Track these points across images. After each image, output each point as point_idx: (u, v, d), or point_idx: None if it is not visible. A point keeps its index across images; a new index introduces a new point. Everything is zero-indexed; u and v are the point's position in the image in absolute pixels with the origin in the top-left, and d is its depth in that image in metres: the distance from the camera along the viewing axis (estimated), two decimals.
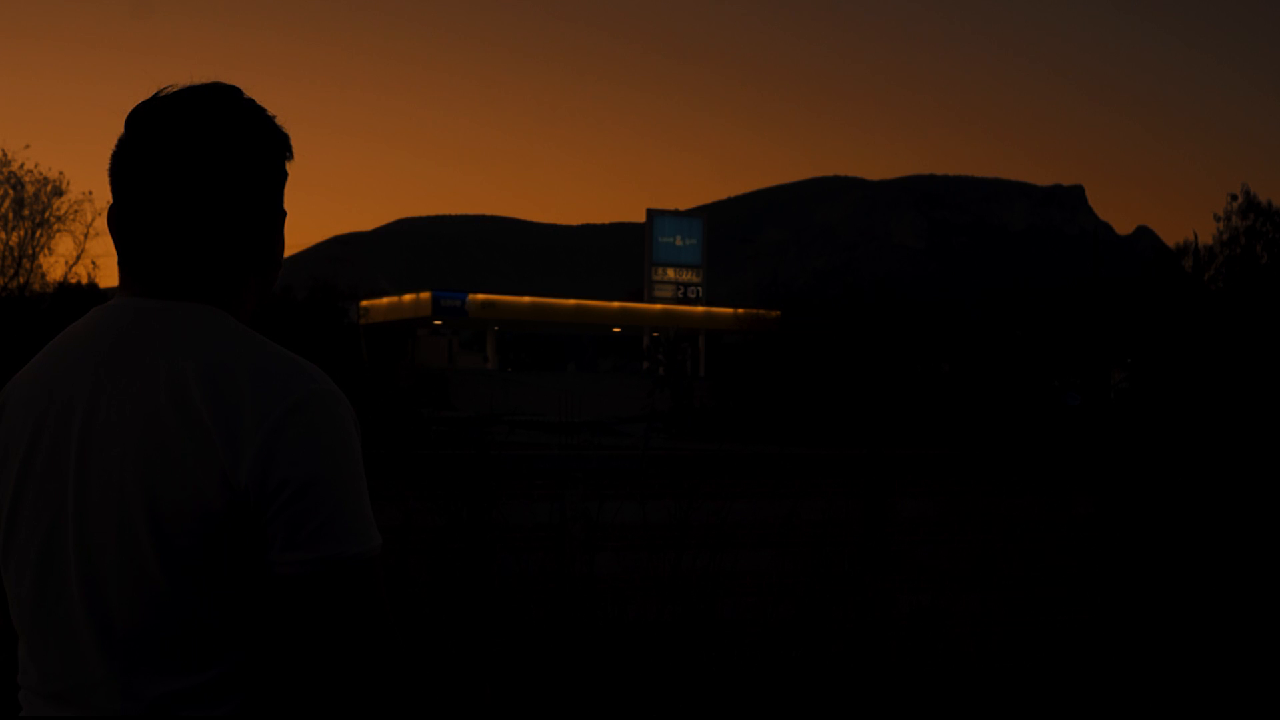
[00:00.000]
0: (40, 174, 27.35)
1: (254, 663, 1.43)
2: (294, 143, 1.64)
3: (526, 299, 61.44)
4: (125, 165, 1.53)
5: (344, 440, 1.44)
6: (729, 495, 6.03)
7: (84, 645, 1.44)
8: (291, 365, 1.46)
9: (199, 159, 1.51)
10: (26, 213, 26.25)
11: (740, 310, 46.24)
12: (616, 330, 65.18)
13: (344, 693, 1.40)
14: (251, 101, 1.58)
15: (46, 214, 26.37)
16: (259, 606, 1.43)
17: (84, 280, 26.40)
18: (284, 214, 1.63)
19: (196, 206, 1.51)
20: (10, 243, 26.25)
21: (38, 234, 26.33)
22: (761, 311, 40.52)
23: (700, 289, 65.44)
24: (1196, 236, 32.80)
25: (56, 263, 45.14)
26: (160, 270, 1.52)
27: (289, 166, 1.63)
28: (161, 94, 1.54)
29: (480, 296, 58.48)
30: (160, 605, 1.41)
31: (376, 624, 1.42)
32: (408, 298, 59.24)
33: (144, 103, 1.54)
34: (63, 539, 1.46)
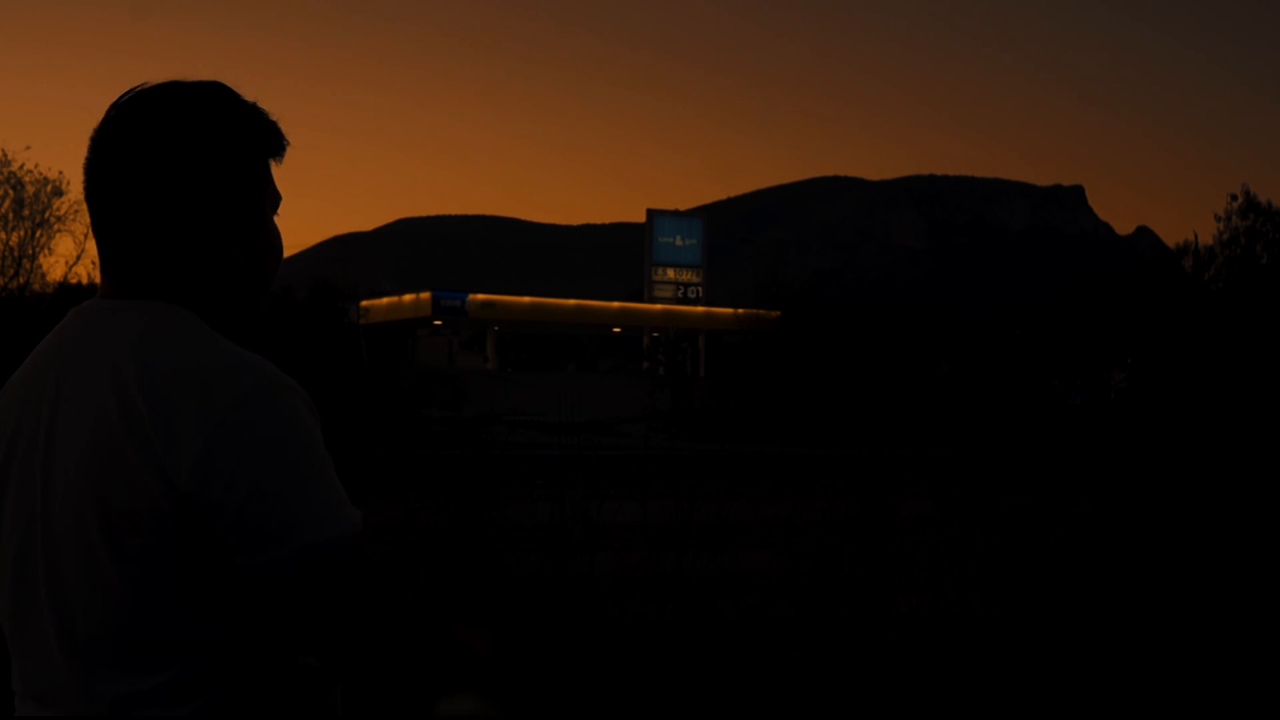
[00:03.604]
0: (40, 174, 27.34)
1: (216, 663, 1.43)
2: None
3: (526, 299, 61.39)
4: (87, 169, 1.54)
5: (294, 429, 1.41)
6: (729, 495, 6.02)
7: (52, 647, 1.46)
8: (235, 362, 1.43)
9: (149, 157, 1.50)
10: (26, 213, 26.23)
11: (740, 310, 46.12)
12: (616, 330, 65.12)
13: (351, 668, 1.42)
14: (223, 97, 1.56)
15: (46, 214, 26.35)
16: (219, 606, 1.43)
17: (84, 280, 26.37)
18: (262, 208, 1.59)
19: (147, 205, 1.50)
20: (10, 243, 26.24)
21: (38, 234, 26.32)
22: (761, 311, 40.41)
23: (700, 289, 65.39)
24: (1196, 236, 32.78)
25: (56, 263, 45.08)
26: (123, 270, 1.53)
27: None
28: (121, 98, 1.54)
29: (480, 296, 58.44)
30: (117, 607, 1.41)
31: (364, 603, 1.41)
32: (408, 298, 59.19)
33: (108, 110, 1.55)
34: (33, 544, 1.47)
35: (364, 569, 1.42)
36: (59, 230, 26.26)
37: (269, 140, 1.59)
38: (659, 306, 62.99)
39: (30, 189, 26.12)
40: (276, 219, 1.65)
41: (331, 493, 1.42)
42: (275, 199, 1.62)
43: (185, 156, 1.51)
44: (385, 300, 60.07)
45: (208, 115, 1.53)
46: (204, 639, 1.43)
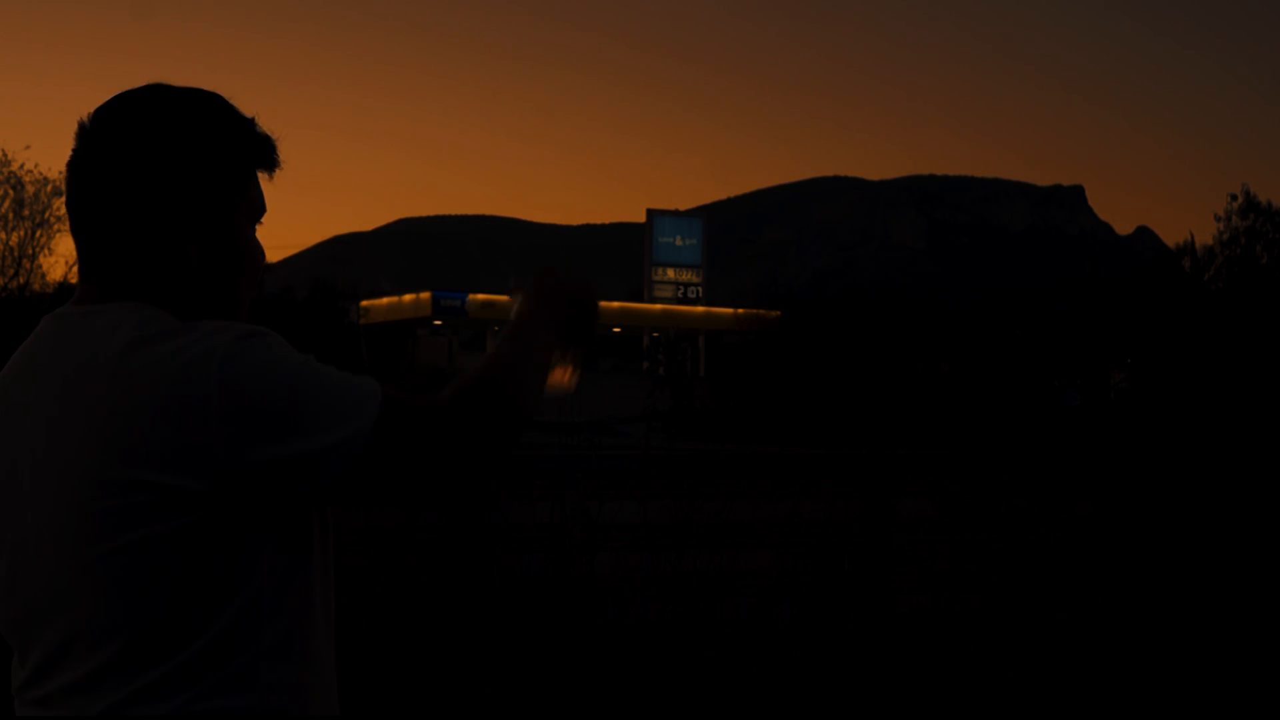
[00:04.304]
0: (40, 174, 27.38)
1: (205, 657, 1.44)
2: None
3: None
4: (67, 167, 1.57)
5: (283, 351, 1.45)
6: (729, 495, 6.02)
7: (48, 650, 1.47)
8: (204, 330, 1.44)
9: (113, 152, 1.52)
10: (26, 213, 26.29)
11: (740, 310, 46.23)
12: (616, 330, 65.18)
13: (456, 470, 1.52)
14: (207, 102, 1.57)
15: (46, 214, 26.41)
16: (207, 598, 1.43)
17: None
18: (233, 213, 1.59)
19: (109, 200, 1.52)
20: (10, 243, 26.29)
21: (38, 234, 26.38)
22: (761, 311, 40.52)
23: (700, 289, 65.48)
24: (1194, 237, 32.82)
25: (56, 263, 45.15)
26: (93, 272, 1.55)
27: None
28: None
29: (480, 296, 58.49)
30: (111, 606, 1.42)
31: (427, 436, 1.48)
32: (408, 298, 59.28)
33: None
34: (25, 549, 1.48)
35: (406, 408, 1.47)
36: (59, 230, 26.30)
37: (253, 150, 1.59)
38: (659, 306, 63.07)
39: (30, 189, 26.18)
40: (264, 228, 1.66)
41: (343, 376, 1.47)
42: (255, 210, 1.62)
43: (151, 152, 1.52)
44: (385, 300, 60.17)
45: (185, 116, 1.55)
46: (193, 634, 1.43)
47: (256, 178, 1.61)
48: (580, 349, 1.77)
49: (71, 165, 1.55)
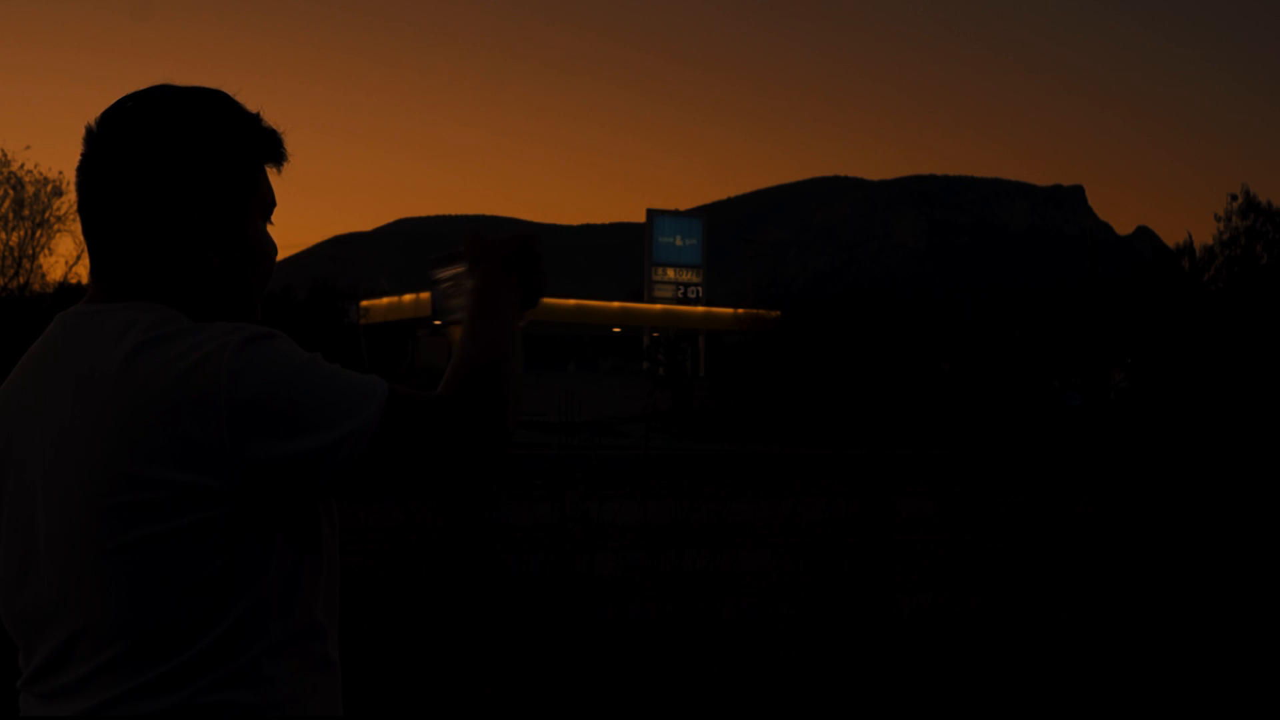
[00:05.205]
0: (40, 174, 27.37)
1: (211, 652, 1.44)
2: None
3: None
4: (77, 168, 1.57)
5: (289, 349, 1.46)
6: (729, 495, 6.02)
7: (56, 645, 1.47)
8: (216, 330, 1.45)
9: (127, 153, 1.52)
10: (26, 213, 26.25)
11: (740, 310, 46.16)
12: (616, 330, 65.14)
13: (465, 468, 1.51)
14: (214, 100, 1.58)
15: (46, 214, 26.37)
16: (216, 595, 1.44)
17: (84, 280, 26.34)
18: (244, 211, 1.59)
19: (122, 201, 1.52)
20: (10, 243, 26.27)
21: (38, 234, 26.34)
22: (761, 311, 40.47)
23: (700, 289, 65.40)
24: (1192, 237, 32.77)
25: (56, 263, 45.19)
26: (105, 271, 1.55)
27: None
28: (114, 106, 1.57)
29: None
30: (117, 604, 1.43)
31: (432, 429, 1.47)
32: (408, 298, 59.19)
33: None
34: (34, 547, 1.49)
35: (411, 402, 1.48)
36: (59, 230, 26.27)
37: (261, 146, 1.60)
38: (659, 306, 62.99)
39: (30, 189, 26.14)
40: (273, 225, 1.67)
41: (349, 374, 1.48)
42: (266, 205, 1.63)
43: (161, 153, 1.53)
44: (385, 300, 60.08)
45: (192, 115, 1.55)
46: (207, 626, 1.44)
47: (265, 173, 1.62)
48: (534, 303, 1.77)
49: (81, 169, 1.56)
